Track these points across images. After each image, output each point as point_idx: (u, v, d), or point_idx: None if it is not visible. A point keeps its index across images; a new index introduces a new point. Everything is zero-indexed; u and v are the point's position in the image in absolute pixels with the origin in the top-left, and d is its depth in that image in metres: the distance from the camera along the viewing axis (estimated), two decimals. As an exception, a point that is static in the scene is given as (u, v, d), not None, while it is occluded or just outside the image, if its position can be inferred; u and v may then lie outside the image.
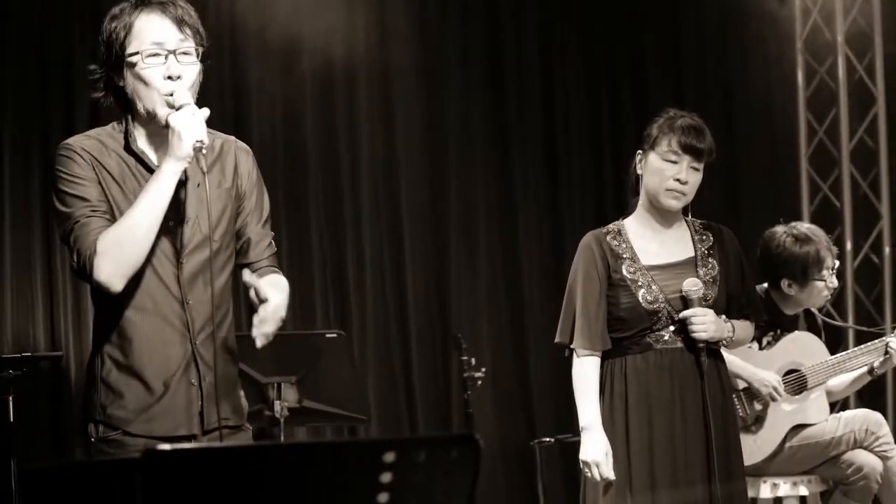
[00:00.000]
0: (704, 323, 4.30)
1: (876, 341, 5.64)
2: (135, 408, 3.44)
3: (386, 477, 2.39)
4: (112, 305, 3.44)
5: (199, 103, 3.40)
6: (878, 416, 5.59)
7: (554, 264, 7.26)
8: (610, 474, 4.28)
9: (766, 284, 5.64)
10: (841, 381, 5.73)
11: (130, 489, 2.29)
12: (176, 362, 3.46)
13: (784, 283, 5.58)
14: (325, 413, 5.49)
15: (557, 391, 7.22)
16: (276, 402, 5.28)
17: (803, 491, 5.55)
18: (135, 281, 3.40)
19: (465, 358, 5.93)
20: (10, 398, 4.01)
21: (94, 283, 3.37)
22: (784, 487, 5.53)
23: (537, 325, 7.19)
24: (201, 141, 3.32)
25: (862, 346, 5.72)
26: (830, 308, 7.56)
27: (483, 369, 5.91)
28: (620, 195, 7.26)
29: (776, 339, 5.58)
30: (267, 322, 3.36)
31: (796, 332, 5.64)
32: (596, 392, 4.38)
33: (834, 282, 5.62)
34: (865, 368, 5.64)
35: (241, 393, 3.68)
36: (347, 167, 6.87)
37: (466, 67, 7.29)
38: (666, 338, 4.35)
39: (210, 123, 3.42)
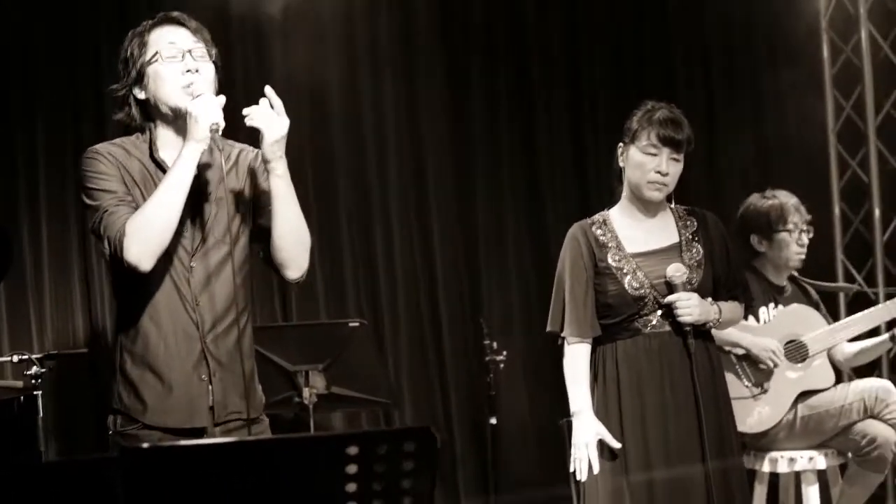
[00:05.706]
0: (689, 307, 4.38)
1: (888, 303, 5.69)
2: (150, 400, 3.62)
3: (352, 468, 2.57)
4: (130, 301, 3.63)
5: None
6: (886, 383, 5.63)
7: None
8: (594, 458, 4.37)
9: (752, 263, 5.71)
10: (853, 348, 5.78)
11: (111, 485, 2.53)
12: (187, 359, 3.62)
13: (754, 240, 5.69)
14: (353, 398, 5.68)
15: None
16: (305, 389, 5.50)
17: (821, 464, 5.59)
18: (150, 281, 3.57)
19: (486, 342, 6.10)
20: (39, 394, 4.25)
21: (125, 264, 3.51)
22: (801, 462, 5.58)
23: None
24: (217, 123, 3.49)
25: (871, 308, 5.76)
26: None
27: (504, 353, 6.06)
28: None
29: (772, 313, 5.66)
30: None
31: (793, 304, 5.69)
32: (585, 378, 4.47)
33: (804, 239, 5.68)
34: (887, 336, 5.70)
35: (259, 387, 3.82)
36: (373, 156, 6.97)
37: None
38: (654, 322, 4.44)
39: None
